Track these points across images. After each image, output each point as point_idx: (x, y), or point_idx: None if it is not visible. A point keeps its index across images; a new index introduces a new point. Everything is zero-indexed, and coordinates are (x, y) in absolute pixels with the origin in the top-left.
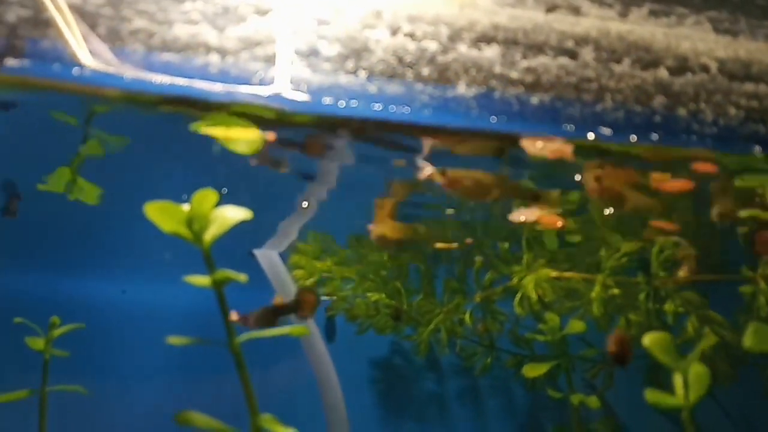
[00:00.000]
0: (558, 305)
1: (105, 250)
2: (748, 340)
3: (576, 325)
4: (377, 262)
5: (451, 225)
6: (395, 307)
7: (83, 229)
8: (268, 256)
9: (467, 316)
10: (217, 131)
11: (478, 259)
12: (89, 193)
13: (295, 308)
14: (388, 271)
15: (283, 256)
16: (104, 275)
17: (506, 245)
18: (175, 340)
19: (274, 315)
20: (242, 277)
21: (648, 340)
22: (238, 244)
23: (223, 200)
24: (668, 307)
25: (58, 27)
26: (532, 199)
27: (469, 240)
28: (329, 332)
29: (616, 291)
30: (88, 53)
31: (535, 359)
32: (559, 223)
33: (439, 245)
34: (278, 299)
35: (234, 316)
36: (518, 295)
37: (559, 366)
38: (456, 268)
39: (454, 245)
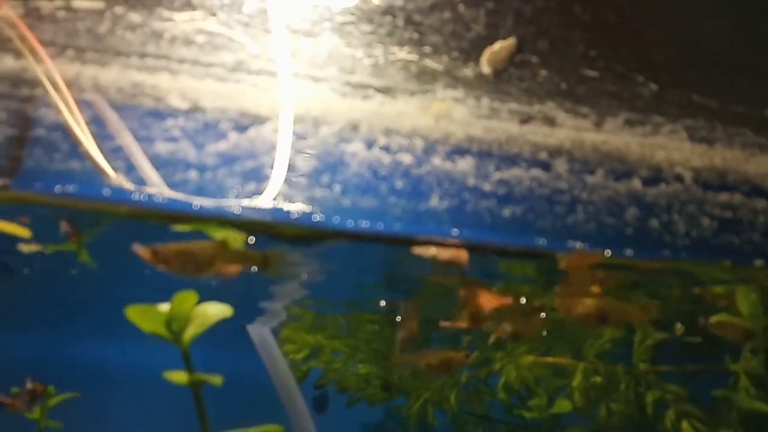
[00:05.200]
0: (545, 384)
1: (105, 313)
2: None
3: (563, 405)
4: (369, 334)
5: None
6: (385, 379)
7: (84, 294)
8: (259, 331)
9: (452, 398)
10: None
11: (466, 338)
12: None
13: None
14: (379, 344)
15: (275, 331)
16: (104, 338)
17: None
18: None
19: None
20: (217, 380)
21: None
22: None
23: None
24: (649, 397)
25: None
26: (262, 264)
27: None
28: (320, 404)
29: (598, 379)
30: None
31: (528, 429)
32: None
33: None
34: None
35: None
36: (501, 381)
37: None
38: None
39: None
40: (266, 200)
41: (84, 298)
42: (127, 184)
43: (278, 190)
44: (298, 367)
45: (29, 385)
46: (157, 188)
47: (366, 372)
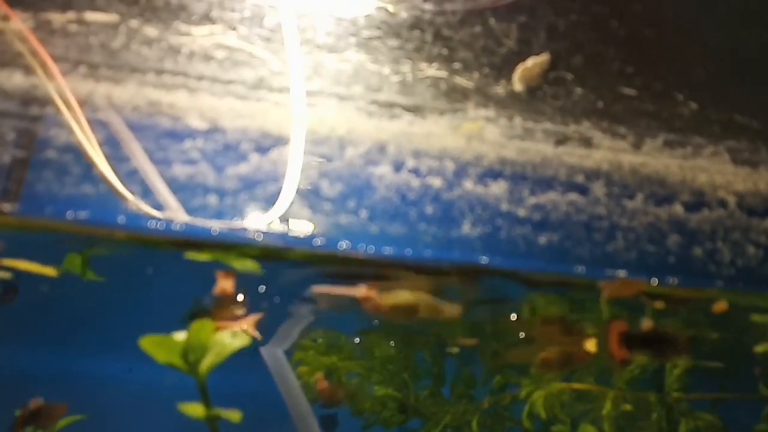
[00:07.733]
0: (569, 408)
1: (111, 329)
2: None
3: (587, 430)
4: (385, 356)
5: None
6: (401, 401)
7: (89, 310)
8: (272, 353)
9: (474, 424)
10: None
11: (488, 362)
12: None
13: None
14: (395, 365)
15: (288, 353)
16: (110, 354)
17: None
18: None
19: None
20: (236, 416)
21: None
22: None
23: None
24: (682, 427)
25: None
26: None
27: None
28: (328, 424)
29: (628, 407)
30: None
31: None
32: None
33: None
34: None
35: None
36: (526, 409)
37: None
38: (465, 368)
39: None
40: (283, 225)
41: (91, 313)
42: (146, 209)
43: (294, 213)
44: (311, 389)
45: (32, 405)
46: (174, 213)
47: (382, 394)
